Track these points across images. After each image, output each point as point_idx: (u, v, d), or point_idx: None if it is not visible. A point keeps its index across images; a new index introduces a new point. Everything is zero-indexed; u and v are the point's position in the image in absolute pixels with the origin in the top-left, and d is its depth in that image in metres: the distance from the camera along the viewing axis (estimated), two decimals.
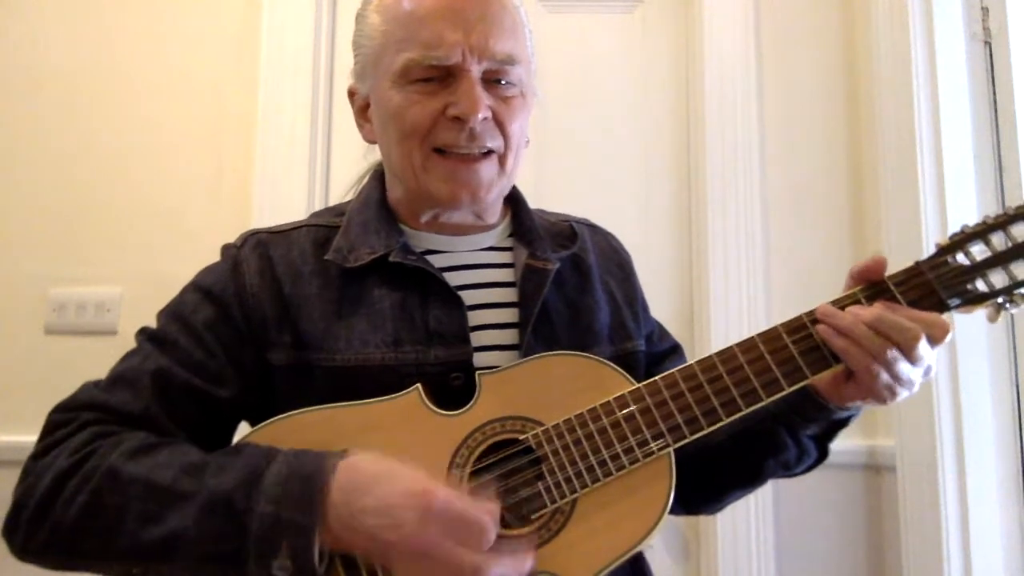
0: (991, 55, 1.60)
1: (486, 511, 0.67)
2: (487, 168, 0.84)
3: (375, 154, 0.94)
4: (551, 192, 1.80)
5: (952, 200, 1.56)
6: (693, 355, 1.10)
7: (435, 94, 0.81)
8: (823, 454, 0.90)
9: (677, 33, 1.93)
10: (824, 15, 1.88)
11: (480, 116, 0.80)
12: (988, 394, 1.49)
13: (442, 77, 0.81)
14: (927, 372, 0.77)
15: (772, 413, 0.85)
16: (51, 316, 1.76)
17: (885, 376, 0.75)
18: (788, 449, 0.87)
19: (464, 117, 0.80)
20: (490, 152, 0.84)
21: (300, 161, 1.81)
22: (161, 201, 1.81)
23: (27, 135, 1.83)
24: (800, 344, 0.79)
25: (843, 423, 0.87)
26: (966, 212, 1.55)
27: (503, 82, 0.83)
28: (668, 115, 1.91)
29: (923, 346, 0.75)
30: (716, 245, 1.78)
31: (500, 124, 0.83)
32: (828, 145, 1.83)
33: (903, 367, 0.75)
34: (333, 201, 1.84)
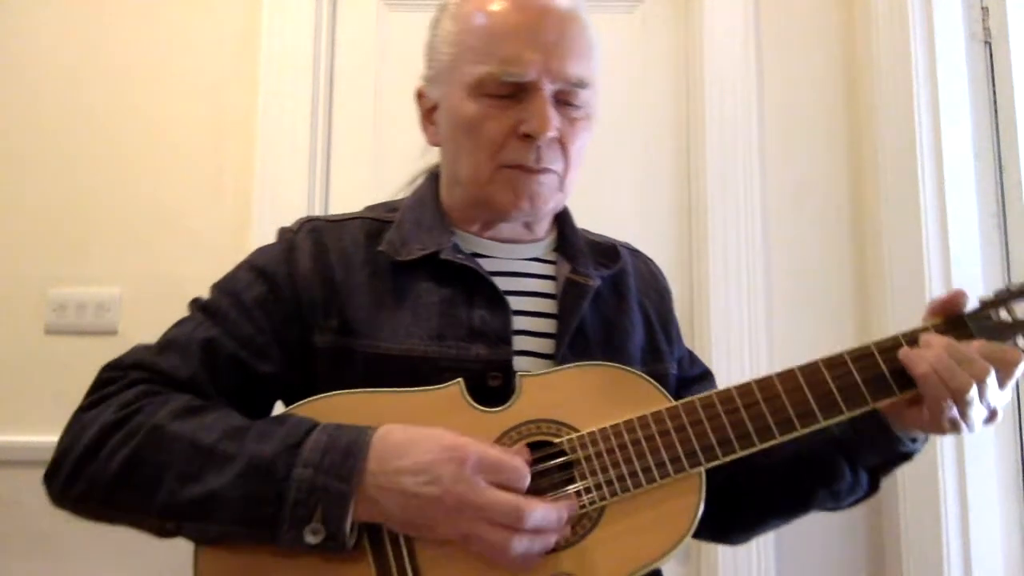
0: (991, 55, 1.60)
1: (520, 459, 0.71)
2: (549, 182, 0.87)
3: (432, 154, 0.97)
4: None
5: (952, 200, 1.56)
6: (698, 357, 1.10)
7: (508, 109, 0.84)
8: (874, 488, 0.89)
9: (677, 33, 1.93)
10: (824, 15, 1.87)
11: (550, 135, 0.83)
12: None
13: (515, 93, 0.84)
14: (991, 416, 0.78)
15: (835, 439, 0.85)
16: (51, 316, 1.75)
17: (954, 410, 0.75)
18: (842, 478, 0.86)
19: (534, 135, 0.83)
20: (551, 170, 0.87)
21: (300, 161, 1.81)
22: (161, 201, 1.80)
23: (27, 135, 1.82)
24: (865, 371, 0.79)
25: (906, 457, 0.86)
26: (966, 212, 1.56)
27: (572, 104, 0.86)
28: (668, 115, 1.91)
29: (992, 382, 0.75)
30: (716, 245, 1.78)
31: (563, 145, 0.86)
32: (828, 145, 1.83)
33: (972, 402, 0.75)
34: (333, 201, 1.85)
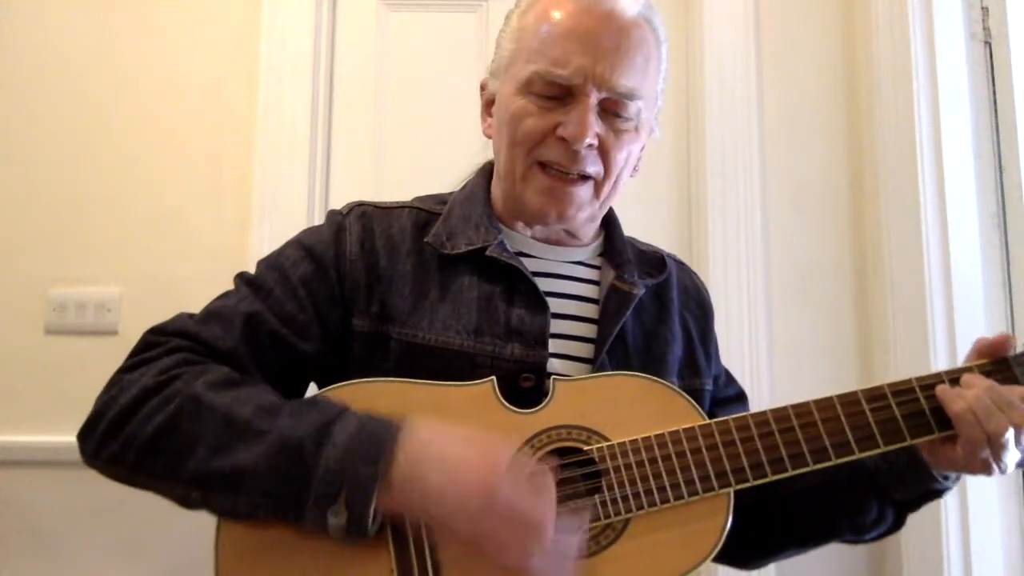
0: (991, 55, 1.60)
1: (546, 513, 0.67)
2: (581, 192, 0.87)
3: (489, 150, 0.96)
4: None
5: (952, 200, 1.56)
6: (735, 377, 1.09)
7: (552, 110, 0.84)
8: (898, 523, 0.88)
9: (677, 33, 1.93)
10: (824, 15, 1.88)
11: (586, 142, 0.82)
12: None
13: (562, 96, 0.84)
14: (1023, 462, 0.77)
15: (865, 471, 0.84)
16: (51, 316, 1.75)
17: (987, 451, 0.75)
18: (868, 512, 0.86)
19: (571, 140, 0.82)
20: (588, 177, 0.86)
21: (300, 161, 1.81)
22: (161, 201, 1.81)
23: (27, 135, 1.82)
24: (905, 406, 0.78)
25: (936, 494, 0.85)
26: (966, 212, 1.56)
27: (619, 115, 0.85)
28: (668, 115, 1.90)
29: None
30: (716, 245, 1.78)
31: (604, 153, 0.85)
32: (828, 144, 1.83)
33: (1007, 446, 0.74)
34: (333, 201, 1.85)
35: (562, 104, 0.83)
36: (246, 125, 1.82)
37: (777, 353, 1.73)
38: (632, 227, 1.86)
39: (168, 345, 0.79)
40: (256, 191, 1.78)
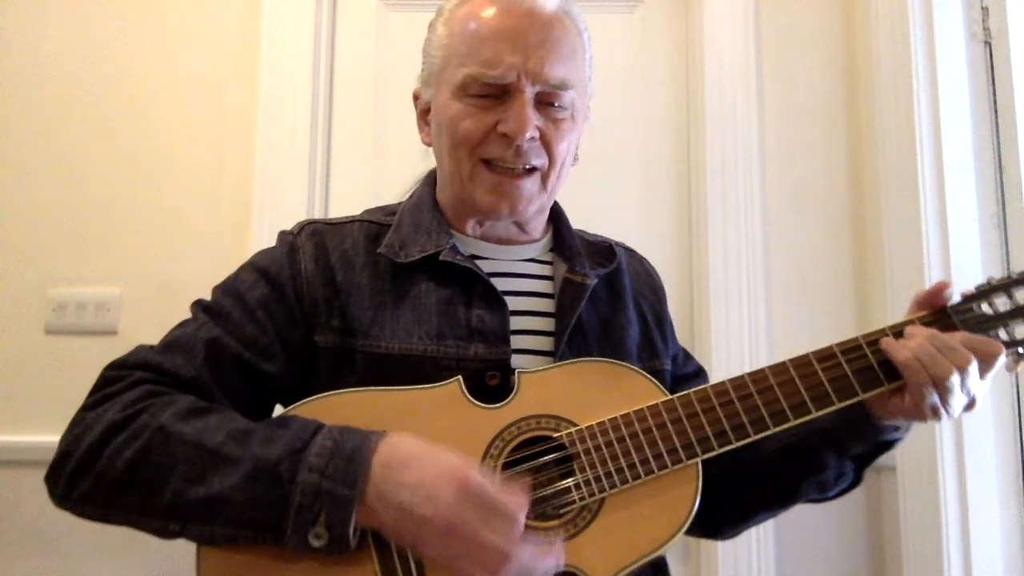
0: (991, 55, 1.60)
1: (517, 503, 0.69)
2: (529, 184, 0.88)
3: (431, 158, 0.98)
4: None
5: (952, 200, 1.56)
6: (692, 354, 1.11)
7: (489, 109, 0.86)
8: (858, 479, 0.92)
9: (677, 33, 1.93)
10: (824, 15, 1.88)
11: (527, 136, 0.84)
12: (988, 394, 1.49)
13: (498, 94, 0.86)
14: (971, 405, 0.80)
15: (821, 429, 0.87)
16: (51, 316, 1.75)
17: (934, 396, 0.78)
18: (828, 469, 0.89)
19: (512, 135, 0.84)
20: (534, 169, 0.88)
21: (300, 161, 1.81)
22: (161, 201, 1.81)
23: (27, 135, 1.83)
24: (854, 363, 0.81)
25: (888, 445, 0.89)
26: (966, 212, 1.56)
27: (555, 105, 0.87)
28: (668, 115, 1.91)
29: (973, 370, 0.78)
30: (716, 245, 1.78)
31: (547, 144, 0.87)
32: (828, 145, 1.83)
33: (953, 389, 0.78)
34: (333, 201, 1.85)
35: (499, 103, 0.85)
36: (246, 125, 1.82)
37: (777, 353, 1.73)
38: (632, 227, 1.86)
39: (130, 379, 0.78)
40: (256, 191, 1.78)
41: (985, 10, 1.61)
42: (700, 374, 1.04)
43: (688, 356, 1.05)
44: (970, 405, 0.80)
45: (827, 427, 0.87)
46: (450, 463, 0.70)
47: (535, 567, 0.68)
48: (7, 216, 1.80)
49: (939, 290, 0.85)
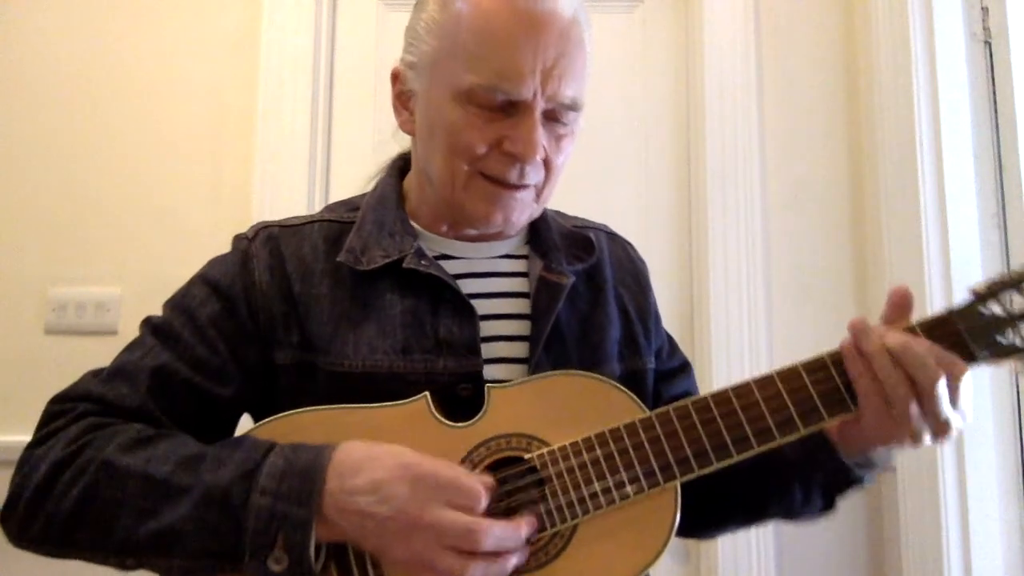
0: (991, 55, 1.60)
1: (478, 479, 0.68)
2: (526, 197, 0.84)
3: (384, 149, 0.92)
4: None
5: (952, 200, 1.56)
6: (693, 354, 1.10)
7: (494, 121, 0.79)
8: (828, 506, 0.85)
9: (677, 33, 1.93)
10: (824, 14, 1.87)
11: (535, 160, 0.80)
12: (988, 394, 1.49)
13: (505, 107, 0.79)
14: (943, 431, 0.71)
15: (785, 454, 0.80)
16: (51, 316, 1.75)
17: (893, 413, 0.71)
18: (793, 494, 0.84)
19: (520, 158, 0.79)
20: (530, 185, 0.83)
21: (300, 161, 1.81)
22: (161, 201, 1.80)
23: (27, 135, 1.82)
24: (820, 385, 0.75)
25: (855, 481, 0.81)
26: (966, 212, 1.56)
27: (561, 121, 0.82)
28: (668, 115, 1.91)
29: (941, 388, 0.70)
30: (716, 245, 1.78)
31: (546, 160, 0.82)
32: (828, 144, 1.83)
33: (914, 410, 0.70)
34: (333, 199, 1.85)
35: (506, 116, 0.79)
36: (246, 125, 1.82)
37: (777, 353, 1.73)
38: (632, 227, 1.86)
39: (74, 412, 0.75)
40: (256, 191, 1.78)
41: (985, 10, 1.61)
42: (685, 368, 0.99)
43: (674, 348, 1.00)
44: (939, 433, 0.72)
45: (791, 459, 0.80)
46: (401, 458, 0.68)
47: (507, 537, 0.67)
48: (7, 216, 1.80)
49: (901, 300, 0.75)
